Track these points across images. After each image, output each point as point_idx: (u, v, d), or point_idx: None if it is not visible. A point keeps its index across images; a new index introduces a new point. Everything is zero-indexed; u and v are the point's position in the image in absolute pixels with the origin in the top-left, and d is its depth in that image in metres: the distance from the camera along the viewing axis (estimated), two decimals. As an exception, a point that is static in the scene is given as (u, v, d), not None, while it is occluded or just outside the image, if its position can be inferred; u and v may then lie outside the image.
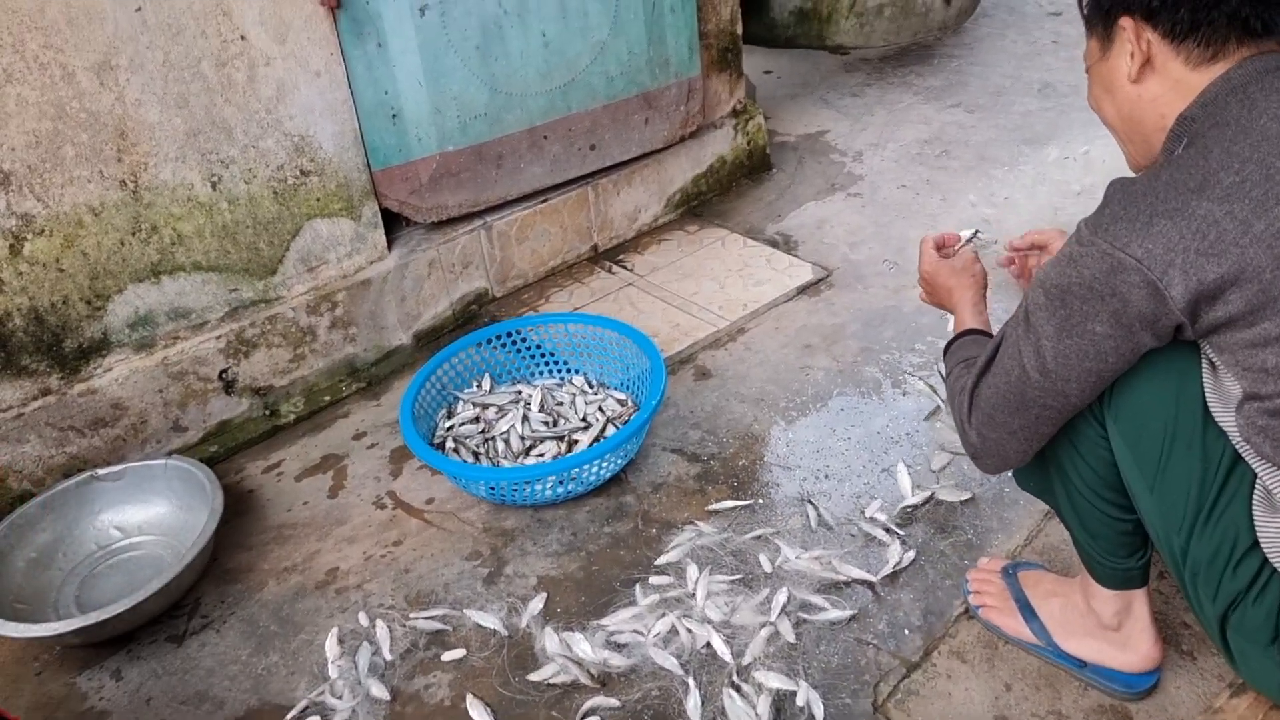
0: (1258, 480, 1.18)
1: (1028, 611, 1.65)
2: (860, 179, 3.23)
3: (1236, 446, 1.18)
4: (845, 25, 4.22)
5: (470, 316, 2.69)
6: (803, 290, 2.68)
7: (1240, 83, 1.17)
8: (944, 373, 1.51)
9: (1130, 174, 1.33)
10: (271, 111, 2.15)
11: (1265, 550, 1.17)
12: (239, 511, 2.14)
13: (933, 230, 2.87)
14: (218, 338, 2.22)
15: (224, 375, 2.26)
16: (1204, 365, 1.20)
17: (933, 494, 1.96)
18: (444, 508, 2.09)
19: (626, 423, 2.18)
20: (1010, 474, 1.65)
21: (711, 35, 2.93)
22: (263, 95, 2.13)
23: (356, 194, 2.36)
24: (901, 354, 2.40)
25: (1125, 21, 1.22)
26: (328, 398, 2.44)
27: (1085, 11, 1.31)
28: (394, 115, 2.35)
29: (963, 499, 1.95)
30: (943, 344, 1.63)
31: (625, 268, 2.86)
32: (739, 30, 3.05)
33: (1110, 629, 1.55)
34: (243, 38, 2.06)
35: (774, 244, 2.92)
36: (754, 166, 3.28)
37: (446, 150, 2.46)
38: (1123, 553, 1.44)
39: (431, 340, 2.61)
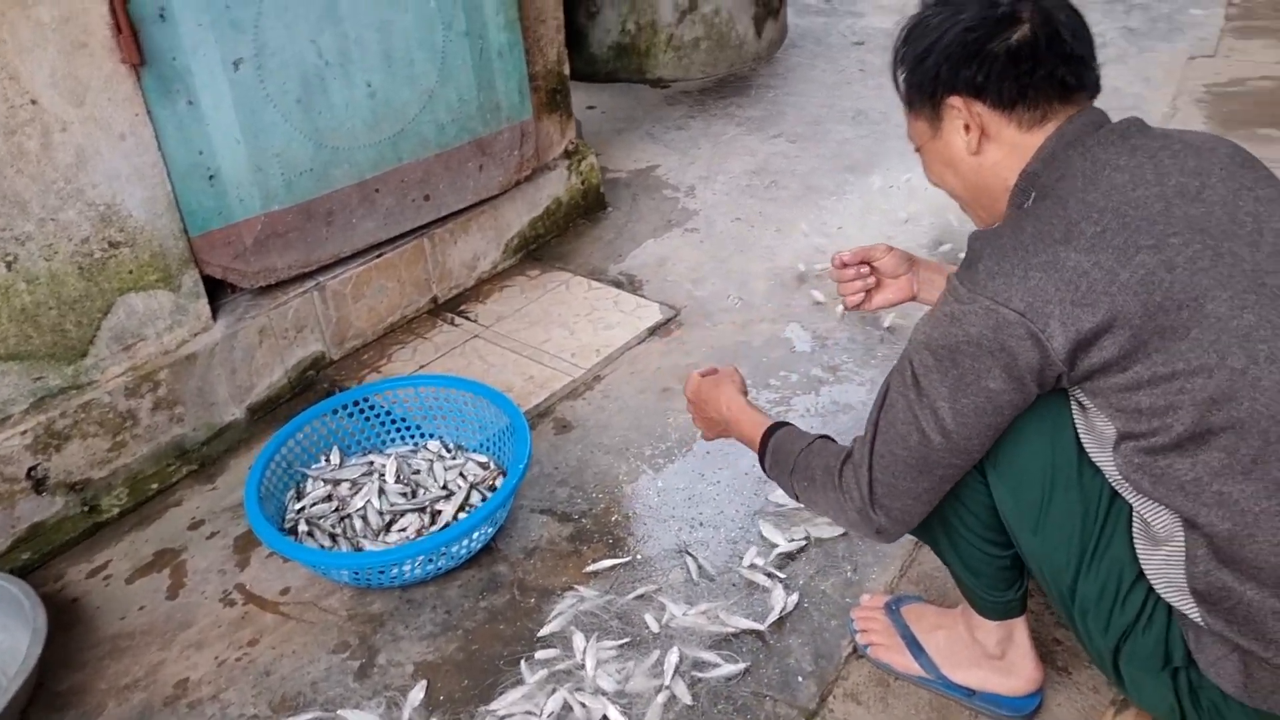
0: (1134, 514, 1.23)
1: (914, 646, 1.67)
2: (695, 214, 3.26)
3: (1113, 483, 1.23)
4: (664, 58, 4.27)
5: (308, 383, 2.53)
6: (654, 331, 2.67)
7: (1074, 137, 1.23)
8: (788, 476, 1.48)
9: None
10: (71, 180, 1.95)
11: (1151, 580, 1.21)
12: (64, 625, 1.91)
13: (770, 263, 2.93)
14: (23, 433, 1.99)
15: (32, 473, 2.02)
16: (1074, 409, 1.24)
17: (807, 532, 1.97)
18: (302, 597, 1.94)
19: (491, 487, 2.09)
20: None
21: (540, 77, 2.89)
22: (60, 163, 1.93)
23: (174, 263, 2.17)
24: (757, 390, 2.42)
25: (954, 100, 1.27)
26: (155, 485, 2.23)
27: (907, 96, 1.35)
28: (211, 176, 2.18)
29: (837, 534, 1.97)
30: (762, 437, 1.58)
31: (469, 319, 2.77)
32: (566, 70, 3.02)
33: (995, 657, 1.59)
34: (33, 102, 1.86)
35: (619, 285, 2.89)
36: (589, 206, 3.25)
37: (272, 210, 2.31)
38: (1003, 586, 1.48)
39: (267, 412, 2.43)
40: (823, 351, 2.54)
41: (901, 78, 1.35)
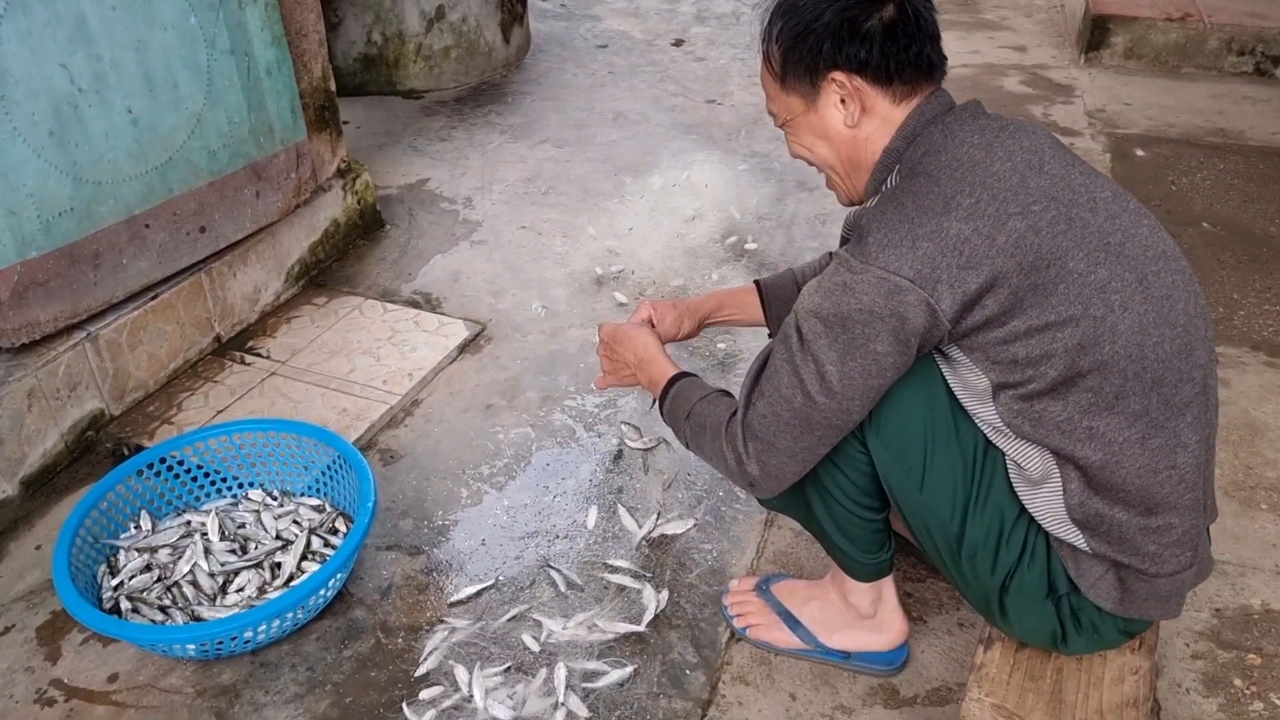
0: (1008, 460, 1.36)
1: (790, 620, 1.76)
2: (479, 225, 3.22)
3: (990, 432, 1.35)
4: (414, 69, 4.16)
5: (88, 445, 2.27)
6: (464, 348, 2.61)
7: (932, 116, 1.34)
8: (682, 421, 1.53)
9: (845, 208, 1.47)
10: None
11: (1037, 517, 1.35)
12: None
13: (566, 269, 2.95)
14: None
15: None
16: (944, 368, 1.35)
17: (659, 529, 2.01)
18: (135, 681, 1.75)
19: (331, 529, 1.98)
20: (754, 498, 1.74)
21: (308, 95, 2.74)
22: None
23: (-81, 327, 1.89)
24: (582, 396, 2.43)
25: (837, 75, 1.33)
26: (-78, 586, 1.93)
27: (782, 73, 1.40)
28: (-45, 225, 1.91)
29: (688, 527, 2.02)
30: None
31: (260, 355, 2.59)
32: (333, 87, 2.88)
33: (867, 617, 1.70)
34: None
35: (416, 304, 2.81)
36: (368, 226, 3.13)
37: (29, 258, 2.05)
38: (875, 548, 1.59)
39: (45, 483, 2.16)
40: (636, 351, 2.59)
41: (776, 55, 1.38)
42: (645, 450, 2.24)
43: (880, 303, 1.23)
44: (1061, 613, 1.37)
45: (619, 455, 2.23)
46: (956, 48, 4.79)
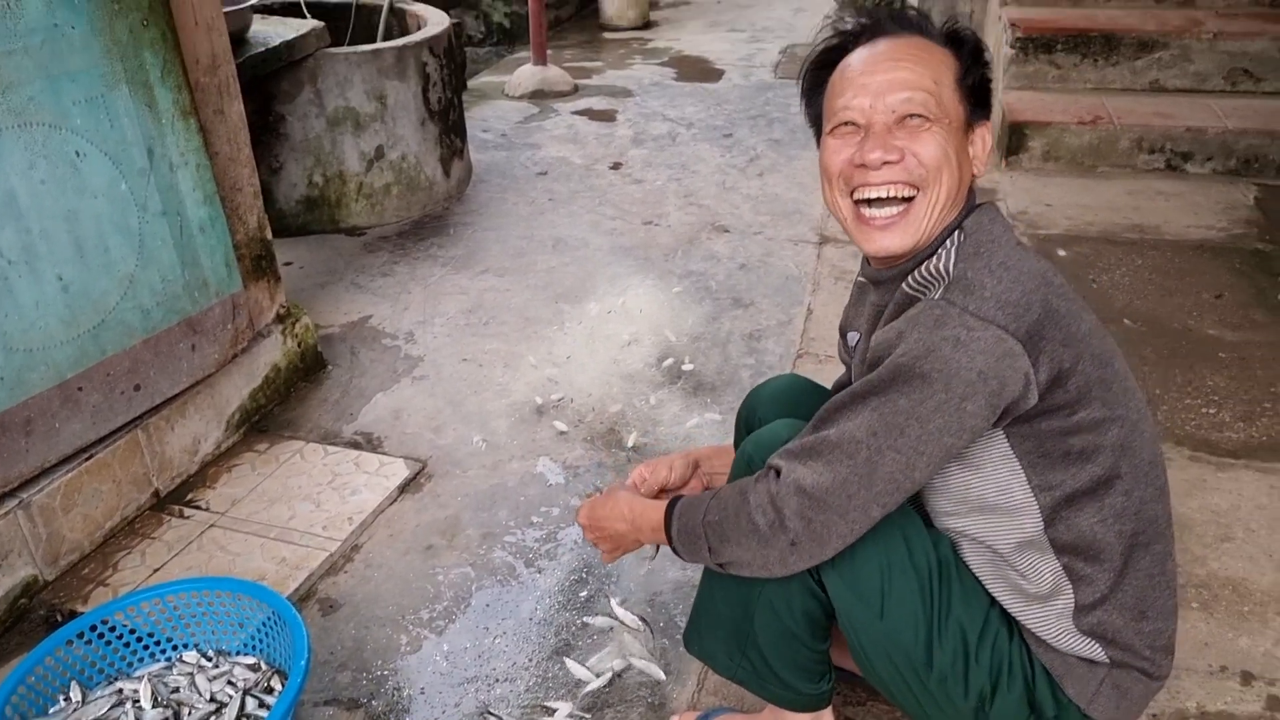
0: (1002, 582, 1.37)
1: (730, 756, 1.75)
2: (420, 360, 3.26)
3: (1005, 550, 1.34)
4: (356, 207, 4.25)
5: (21, 614, 2.24)
6: (404, 488, 2.62)
7: (973, 204, 1.40)
8: (699, 528, 1.41)
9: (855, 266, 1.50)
10: None
11: (1043, 636, 1.35)
12: None
13: (507, 399, 2.98)
14: None
15: None
16: (969, 473, 1.33)
17: (612, 667, 2.01)
18: None
19: (266, 689, 1.95)
20: (681, 636, 1.74)
21: (243, 246, 2.80)
22: None
23: None
24: (522, 530, 2.44)
25: (988, 125, 1.39)
26: None
27: (965, 77, 1.36)
28: (-120, 403, 1.92)
29: (626, 666, 2.01)
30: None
31: (200, 507, 2.58)
32: (269, 235, 2.95)
33: (805, 751, 1.69)
34: None
35: (357, 445, 2.82)
36: (309, 368, 3.16)
37: (-42, 429, 2.06)
38: (817, 678, 1.58)
39: (-25, 657, 2.13)
40: (576, 481, 2.61)
41: (975, 64, 1.36)
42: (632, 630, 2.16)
43: (991, 365, 1.19)
44: None
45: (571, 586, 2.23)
46: (883, 157, 4.98)
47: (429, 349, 3.33)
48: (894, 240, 1.35)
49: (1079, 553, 1.31)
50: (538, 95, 6.11)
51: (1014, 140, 4.79)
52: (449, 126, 4.49)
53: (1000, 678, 1.37)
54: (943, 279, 1.25)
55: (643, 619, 2.13)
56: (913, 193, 1.33)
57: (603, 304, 3.53)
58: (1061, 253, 3.86)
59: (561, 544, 2.38)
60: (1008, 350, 1.18)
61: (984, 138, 1.37)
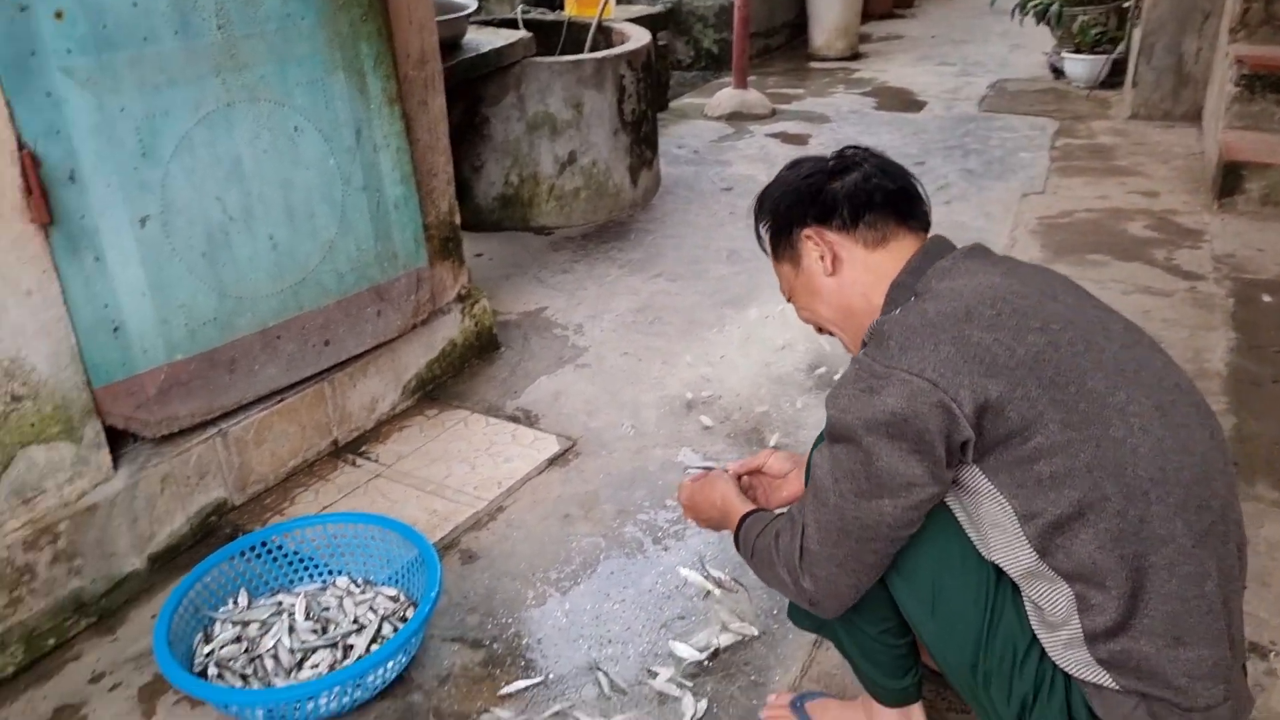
0: (1025, 599, 1.37)
1: (817, 738, 1.78)
2: (585, 350, 3.43)
3: (1014, 576, 1.36)
4: (547, 208, 4.51)
5: (210, 529, 2.53)
6: (552, 462, 2.78)
7: (935, 252, 1.46)
8: (749, 556, 1.56)
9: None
10: (-24, 337, 1.99)
11: (1061, 663, 1.34)
12: (-45, 794, 1.85)
13: (660, 392, 3.10)
14: (-85, 593, 1.95)
15: (-76, 636, 1.98)
16: (967, 506, 1.38)
17: (712, 643, 2.07)
18: (212, 743, 1.92)
19: (402, 618, 2.13)
20: (786, 615, 1.80)
21: (433, 227, 3.06)
22: (-34, 320, 1.97)
23: (77, 415, 2.20)
24: (655, 511, 2.54)
25: (806, 231, 1.51)
26: (53, 641, 2.18)
27: (772, 245, 1.59)
28: (116, 329, 2.24)
29: (748, 635, 2.08)
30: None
31: (370, 459, 2.83)
32: (457, 220, 3.20)
33: (892, 743, 1.70)
34: (-57, 262, 1.91)
35: (516, 420, 3.01)
36: (483, 347, 3.39)
37: (175, 360, 2.37)
38: (899, 674, 1.61)
39: (169, 560, 2.42)
40: (714, 472, 2.69)
41: (764, 231, 1.60)
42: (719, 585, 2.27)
43: (904, 405, 1.26)
44: None
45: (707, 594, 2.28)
46: (1083, 193, 4.81)
47: (595, 341, 3.49)
48: (850, 353, 1.56)
49: (1087, 580, 1.27)
50: (735, 117, 6.26)
51: (1228, 181, 4.51)
52: (640, 137, 4.69)
53: (1042, 687, 1.36)
54: (874, 337, 1.36)
55: (738, 580, 2.24)
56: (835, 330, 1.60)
57: (763, 309, 3.60)
58: (1267, 298, 3.62)
59: (690, 526, 2.46)
60: (914, 389, 1.26)
61: (806, 239, 1.53)
